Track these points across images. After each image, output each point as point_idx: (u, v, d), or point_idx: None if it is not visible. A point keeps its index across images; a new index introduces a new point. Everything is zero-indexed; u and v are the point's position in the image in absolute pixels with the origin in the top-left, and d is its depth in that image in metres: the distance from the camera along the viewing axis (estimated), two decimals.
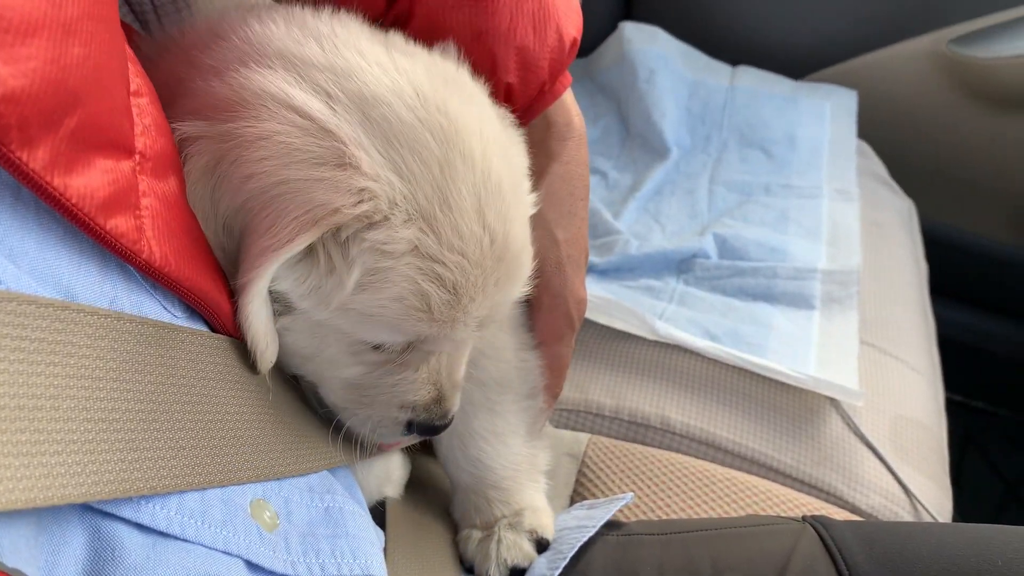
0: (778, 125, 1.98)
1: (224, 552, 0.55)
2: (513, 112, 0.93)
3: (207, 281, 0.60)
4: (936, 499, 1.31)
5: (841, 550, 0.86)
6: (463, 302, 0.66)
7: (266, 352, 0.66)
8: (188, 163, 0.62)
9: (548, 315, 0.96)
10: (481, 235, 0.65)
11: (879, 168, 2.00)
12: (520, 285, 0.72)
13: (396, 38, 0.73)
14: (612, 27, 2.11)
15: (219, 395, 0.59)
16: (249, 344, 0.65)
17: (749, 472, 1.26)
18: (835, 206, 1.80)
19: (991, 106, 2.08)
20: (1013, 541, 0.83)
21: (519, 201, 0.72)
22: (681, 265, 1.65)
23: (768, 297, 1.57)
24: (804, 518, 0.93)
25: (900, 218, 1.88)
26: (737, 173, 1.89)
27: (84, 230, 0.48)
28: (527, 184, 0.77)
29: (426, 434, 0.78)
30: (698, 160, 1.93)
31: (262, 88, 0.63)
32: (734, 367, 1.38)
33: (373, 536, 0.71)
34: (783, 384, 1.36)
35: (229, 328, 0.63)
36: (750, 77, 2.08)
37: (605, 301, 1.43)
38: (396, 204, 0.62)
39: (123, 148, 0.53)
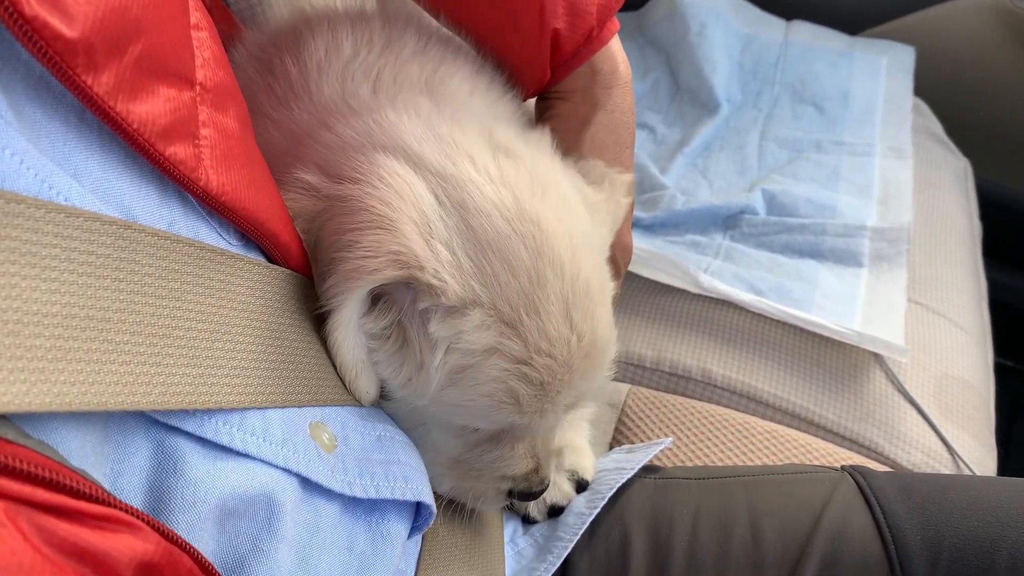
0: (832, 81, 1.95)
1: (283, 469, 0.57)
2: (560, 59, 0.93)
3: (265, 213, 0.62)
4: (979, 457, 1.31)
5: (879, 499, 0.86)
6: (551, 395, 0.69)
7: (356, 381, 0.69)
8: (296, 203, 0.68)
9: None
10: (569, 336, 0.68)
11: (935, 126, 1.96)
12: (605, 370, 0.75)
13: (505, 132, 0.75)
14: None
15: (276, 322, 0.61)
16: (339, 371, 0.68)
17: (790, 426, 1.26)
18: (887, 164, 1.77)
19: None
20: None
21: (604, 299, 0.74)
22: (728, 221, 1.64)
23: (816, 254, 1.56)
24: (843, 468, 0.94)
25: (955, 177, 1.84)
26: (788, 129, 1.87)
27: (144, 155, 0.50)
28: (611, 280, 0.79)
29: (527, 500, 0.82)
30: (748, 116, 1.91)
31: (384, 168, 0.67)
32: (778, 322, 1.38)
33: (422, 466, 0.73)
34: (827, 339, 1.36)
35: (288, 261, 0.65)
36: (804, 32, 2.05)
37: (649, 254, 1.44)
38: (469, 303, 0.65)
39: (184, 78, 0.54)
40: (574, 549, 0.88)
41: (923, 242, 1.64)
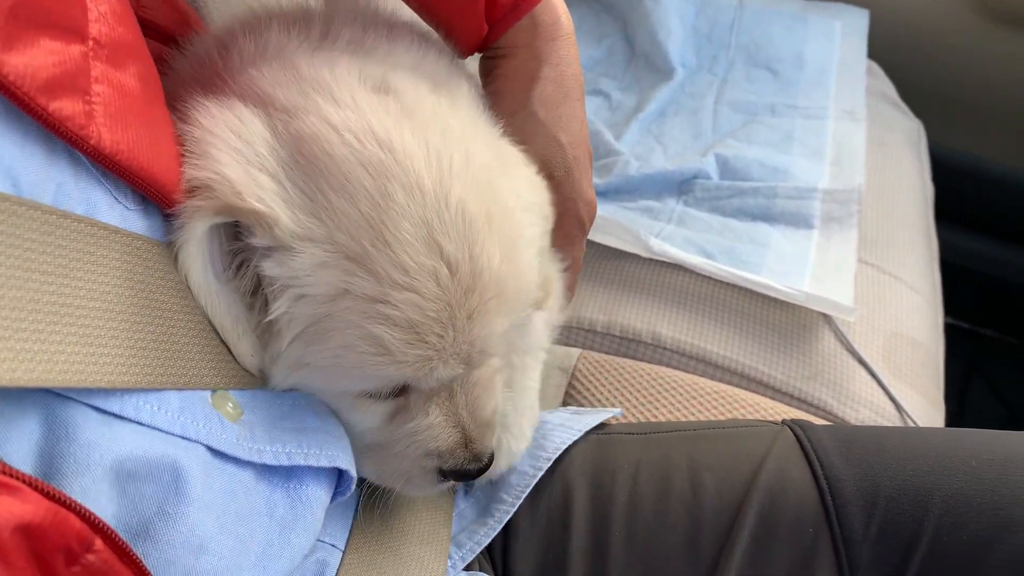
0: (786, 45, 1.94)
1: (182, 437, 0.57)
2: (497, 13, 0.91)
3: (168, 175, 0.60)
4: (928, 415, 1.32)
5: (817, 451, 0.87)
6: (430, 340, 0.63)
7: (238, 346, 0.65)
8: None
9: (560, 220, 0.94)
10: (435, 267, 0.62)
11: (889, 89, 1.96)
12: (510, 314, 0.69)
13: (398, 74, 0.71)
14: None
15: (173, 303, 0.59)
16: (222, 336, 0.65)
17: (739, 386, 1.27)
18: (841, 126, 1.77)
19: (1008, 26, 2.03)
20: (990, 443, 0.84)
21: (502, 227, 0.68)
22: (682, 186, 1.64)
23: (767, 217, 1.56)
24: (783, 421, 0.94)
25: (908, 139, 1.85)
26: (743, 93, 1.86)
27: (24, 110, 0.48)
28: (526, 213, 0.74)
29: (463, 479, 0.77)
30: (703, 80, 1.90)
31: (213, 106, 0.66)
32: (727, 284, 1.38)
33: (340, 432, 0.71)
34: (776, 300, 1.36)
35: None
36: None
37: (601, 219, 1.43)
38: (303, 238, 0.61)
39: (72, 31, 0.52)
40: (517, 511, 0.88)
41: (875, 204, 1.65)
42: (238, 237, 0.64)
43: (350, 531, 0.78)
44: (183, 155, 0.63)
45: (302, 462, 0.65)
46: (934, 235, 1.71)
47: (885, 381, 1.30)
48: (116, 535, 0.49)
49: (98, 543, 0.47)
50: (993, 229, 2.23)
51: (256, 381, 0.67)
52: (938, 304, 1.56)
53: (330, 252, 0.61)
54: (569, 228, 0.98)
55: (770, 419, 1.04)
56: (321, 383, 0.68)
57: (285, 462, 0.64)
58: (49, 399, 0.50)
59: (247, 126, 0.64)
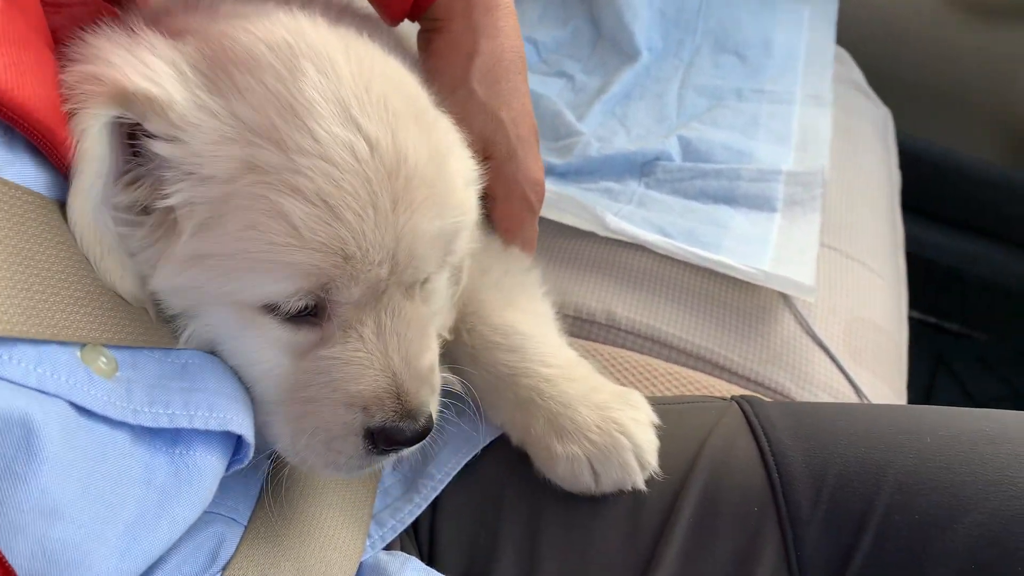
0: (754, 30, 1.91)
1: (38, 390, 0.51)
2: None
3: (35, 101, 0.54)
4: (888, 400, 1.28)
5: (764, 427, 0.82)
6: (346, 218, 0.57)
7: (103, 263, 0.59)
8: None
9: (505, 204, 0.90)
10: (352, 140, 0.58)
11: (857, 76, 1.94)
12: (441, 216, 0.64)
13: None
14: None
15: (39, 251, 0.54)
16: (88, 257, 0.59)
17: (695, 368, 1.22)
18: (807, 111, 1.73)
19: (979, 16, 2.00)
20: (949, 419, 0.80)
21: (430, 131, 0.65)
22: (643, 168, 1.59)
23: (729, 199, 1.52)
24: (732, 398, 0.89)
25: (875, 126, 1.82)
26: (709, 78, 1.82)
27: None
28: (442, 120, 0.70)
29: (395, 446, 0.65)
30: (669, 64, 1.86)
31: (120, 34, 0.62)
32: (686, 264, 1.34)
33: (238, 394, 0.65)
34: (735, 281, 1.32)
35: (67, 161, 0.58)
36: None
37: (556, 195, 1.38)
38: (200, 116, 0.57)
39: None
40: (447, 488, 0.82)
41: (840, 189, 1.61)
42: (133, 152, 0.60)
43: (256, 503, 0.72)
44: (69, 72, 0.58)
45: (186, 424, 0.59)
46: (899, 223, 1.68)
47: (845, 365, 1.26)
48: None
49: None
50: (960, 222, 2.21)
51: (140, 335, 0.60)
52: (902, 292, 1.53)
53: (232, 126, 0.57)
54: (516, 210, 0.93)
55: (719, 395, 0.99)
56: (219, 284, 0.60)
57: (166, 424, 0.58)
58: None
59: (144, 38, 0.60)
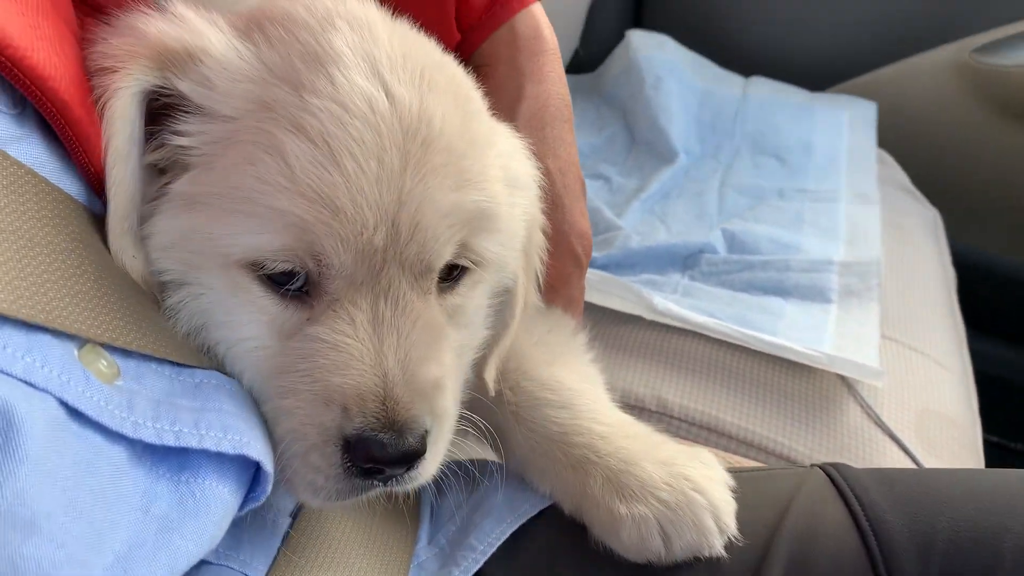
0: (793, 133, 1.88)
1: (25, 382, 0.44)
2: (471, 18, 0.84)
3: (52, 70, 0.50)
4: None
5: (854, 489, 0.72)
6: (345, 165, 0.53)
7: (120, 228, 0.56)
8: None
9: (552, 256, 0.83)
10: (372, 92, 0.55)
11: (902, 177, 1.89)
12: (459, 186, 0.59)
13: None
14: (620, 39, 2.04)
15: (42, 236, 0.49)
16: (111, 217, 0.56)
17: (755, 460, 1.12)
18: (854, 209, 1.68)
19: (1019, 118, 1.97)
20: None
21: (459, 103, 0.61)
22: (687, 260, 1.53)
23: (780, 291, 1.44)
24: (813, 465, 0.79)
25: (925, 225, 1.76)
26: (749, 178, 1.79)
27: None
28: (488, 116, 0.68)
29: (374, 463, 0.56)
30: (708, 166, 1.83)
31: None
32: (740, 349, 1.25)
33: (256, 420, 0.58)
34: (794, 367, 1.23)
35: (79, 140, 0.53)
36: (764, 87, 2.00)
37: (599, 278, 1.32)
38: (233, 59, 0.57)
39: None
40: (489, 561, 0.72)
41: (895, 283, 1.53)
42: (157, 119, 0.58)
43: (273, 562, 0.62)
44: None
45: (195, 444, 0.51)
46: (959, 318, 1.58)
47: (920, 458, 1.15)
48: None
49: None
50: (1018, 335, 2.09)
51: (148, 341, 0.53)
52: (971, 386, 1.42)
53: (255, 68, 0.56)
54: (563, 264, 0.86)
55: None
56: (208, 231, 0.55)
57: (171, 442, 0.50)
58: None
59: (177, 9, 0.60)
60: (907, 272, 1.57)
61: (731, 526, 0.68)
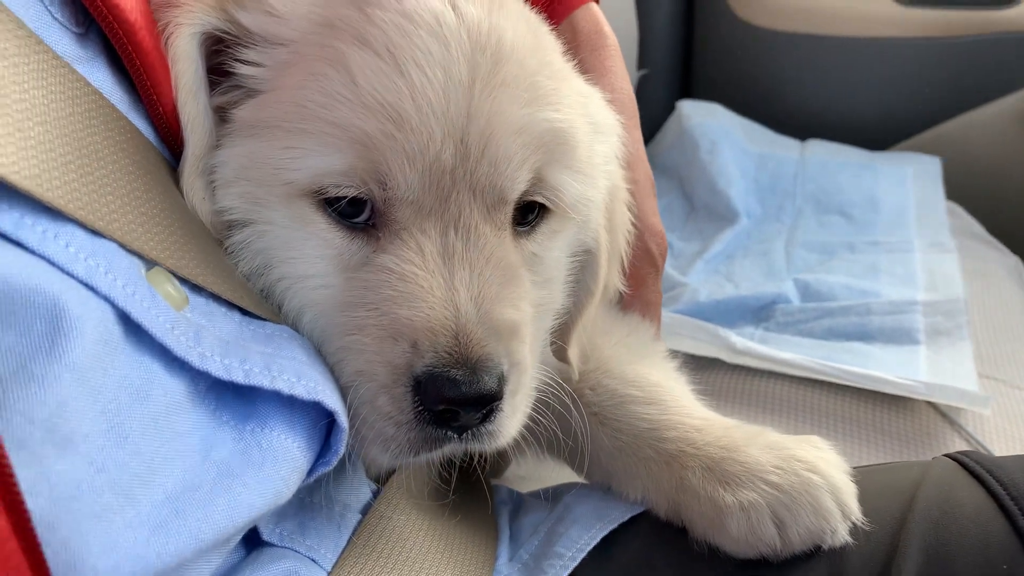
0: (857, 191, 1.83)
1: (85, 284, 0.40)
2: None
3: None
4: None
5: (992, 471, 0.63)
6: (411, 74, 0.51)
7: (191, 180, 0.54)
8: None
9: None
10: (440, 7, 0.53)
11: (977, 228, 1.81)
12: (534, 102, 0.56)
13: None
14: (670, 111, 2.04)
15: (113, 156, 0.46)
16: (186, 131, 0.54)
17: None
18: (930, 257, 1.61)
19: None
20: None
21: (532, 29, 0.60)
22: (759, 312, 1.46)
23: (863, 335, 1.36)
24: (934, 458, 0.71)
25: (1007, 271, 1.67)
26: (816, 235, 1.73)
27: None
28: (559, 50, 0.65)
29: (447, 405, 0.52)
30: (771, 227, 1.78)
31: None
32: (826, 386, 1.17)
33: (329, 375, 0.53)
34: (887, 401, 1.14)
35: (137, 53, 0.50)
36: (821, 149, 1.96)
37: (668, 319, 1.26)
38: None
39: None
40: (578, 568, 0.65)
41: (985, 327, 1.44)
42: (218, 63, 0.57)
43: (342, 552, 0.56)
44: None
45: (266, 384, 0.46)
46: None
47: None
48: None
49: None
50: None
51: (218, 280, 0.50)
52: None
53: None
54: (639, 266, 0.82)
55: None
56: (271, 159, 0.53)
57: (240, 379, 0.46)
58: None
59: None
60: (996, 316, 1.48)
61: (854, 509, 0.60)
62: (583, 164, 0.60)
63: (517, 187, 0.57)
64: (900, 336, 1.34)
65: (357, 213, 0.55)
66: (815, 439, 0.65)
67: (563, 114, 0.57)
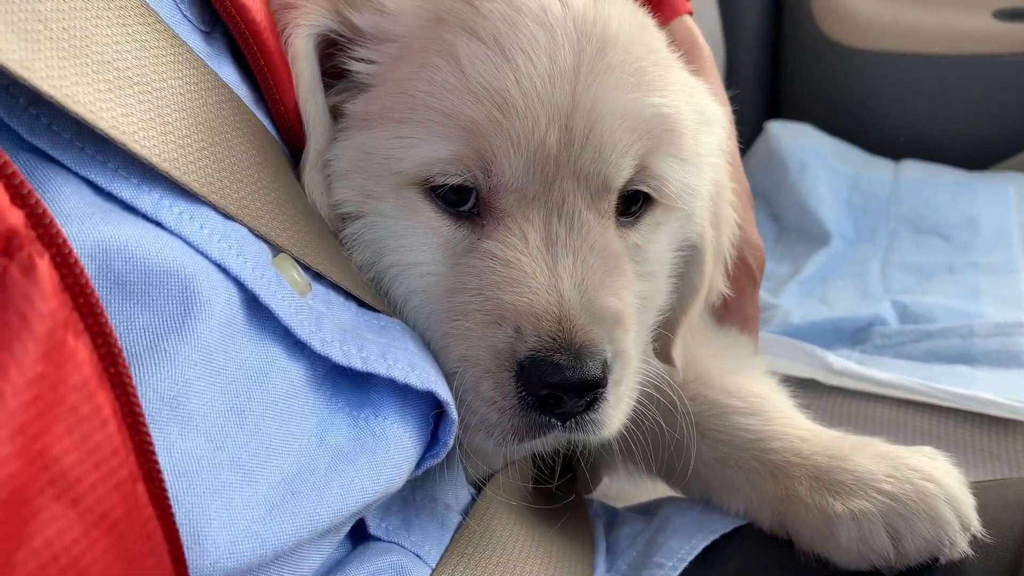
0: (954, 211, 1.78)
1: (217, 264, 0.41)
2: None
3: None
4: None
5: None
6: (516, 61, 0.52)
7: (316, 129, 0.56)
8: None
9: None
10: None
11: None
12: (640, 87, 0.56)
13: None
14: (758, 132, 2.01)
15: (240, 141, 0.48)
16: (306, 126, 0.56)
17: None
18: None
19: None
20: None
21: (635, 13, 0.61)
22: (856, 335, 1.42)
23: (966, 358, 1.31)
24: None
25: None
26: (912, 257, 1.68)
27: None
28: (664, 40, 0.65)
29: (551, 390, 0.52)
30: (866, 249, 1.74)
31: None
32: (929, 408, 1.13)
33: (436, 367, 0.54)
34: (994, 424, 1.09)
35: (261, 51, 0.53)
36: (916, 169, 1.91)
37: (764, 339, 1.23)
38: None
39: None
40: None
41: None
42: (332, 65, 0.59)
43: (446, 550, 0.56)
44: None
45: (383, 371, 0.47)
46: None
47: None
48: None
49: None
50: None
51: (338, 270, 0.51)
52: None
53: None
54: (736, 277, 0.81)
55: None
56: (381, 149, 0.55)
57: (358, 365, 0.47)
58: (31, 159, 0.37)
59: None
60: None
61: (974, 520, 0.57)
62: (689, 153, 0.60)
63: (622, 174, 0.57)
64: (1006, 359, 1.29)
65: (463, 202, 0.56)
66: (928, 449, 0.63)
67: (669, 100, 0.57)
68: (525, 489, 0.69)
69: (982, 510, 0.59)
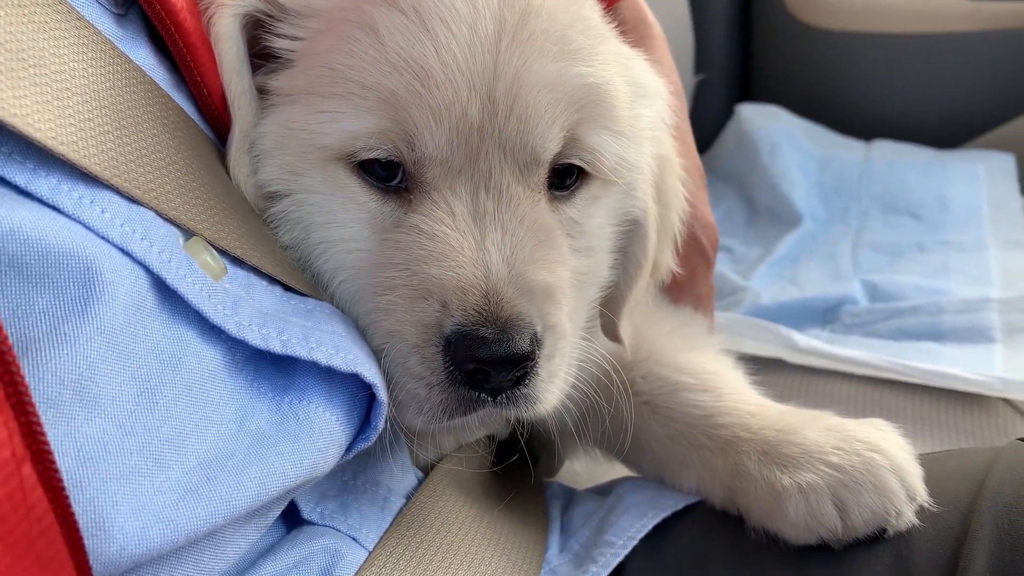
0: (925, 190, 1.78)
1: (120, 249, 0.40)
2: None
3: None
4: None
5: None
6: (436, 31, 0.51)
7: (237, 156, 0.55)
8: None
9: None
10: None
11: None
12: (565, 56, 0.55)
13: None
14: (729, 116, 2.01)
15: (149, 123, 0.47)
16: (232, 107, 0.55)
17: None
18: (1006, 255, 1.54)
19: None
20: None
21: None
22: (826, 315, 1.42)
23: (935, 335, 1.31)
24: (1009, 442, 0.67)
25: None
26: (883, 236, 1.68)
27: None
28: (598, 10, 0.64)
29: (477, 364, 0.51)
30: (836, 230, 1.74)
31: None
32: (895, 385, 1.13)
33: (368, 349, 0.53)
34: (959, 399, 1.09)
35: (177, 31, 0.51)
36: (887, 149, 1.90)
37: (728, 319, 1.23)
38: None
39: None
40: (630, 558, 0.63)
41: None
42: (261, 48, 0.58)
43: (385, 533, 0.55)
44: None
45: (303, 355, 0.46)
46: None
47: None
48: None
49: None
50: None
51: (258, 254, 0.50)
52: None
53: None
54: (689, 258, 0.80)
55: None
56: (305, 124, 0.54)
57: (278, 349, 0.46)
58: None
59: None
60: None
61: (920, 490, 0.57)
62: (623, 125, 0.59)
63: (549, 146, 0.56)
64: (974, 335, 1.29)
65: (392, 176, 0.55)
66: (877, 421, 0.62)
67: (597, 70, 0.56)
68: (479, 473, 0.68)
69: (931, 480, 0.59)
